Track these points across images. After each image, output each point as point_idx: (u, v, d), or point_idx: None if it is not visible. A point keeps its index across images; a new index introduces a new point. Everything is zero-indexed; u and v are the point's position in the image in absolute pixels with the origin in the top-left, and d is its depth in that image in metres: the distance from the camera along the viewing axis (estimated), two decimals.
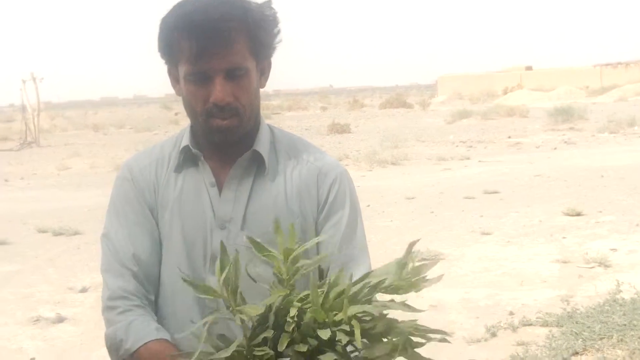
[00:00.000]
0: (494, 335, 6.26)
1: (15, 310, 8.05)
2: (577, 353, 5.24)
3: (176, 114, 45.14)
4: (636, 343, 5.09)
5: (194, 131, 2.11)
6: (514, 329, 6.31)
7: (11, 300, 8.48)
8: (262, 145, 2.10)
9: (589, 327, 5.60)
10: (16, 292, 8.76)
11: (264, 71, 2.09)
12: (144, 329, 1.95)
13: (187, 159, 2.11)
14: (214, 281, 1.65)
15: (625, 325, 5.49)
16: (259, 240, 1.66)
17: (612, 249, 8.99)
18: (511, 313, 6.84)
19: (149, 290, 2.06)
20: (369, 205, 13.26)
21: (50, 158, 25.30)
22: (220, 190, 2.08)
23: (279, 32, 2.05)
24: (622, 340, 5.23)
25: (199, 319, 1.87)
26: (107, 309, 2.03)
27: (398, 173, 18.14)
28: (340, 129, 31.16)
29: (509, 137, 25.13)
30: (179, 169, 2.12)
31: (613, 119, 26.29)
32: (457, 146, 23.53)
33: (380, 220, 11.91)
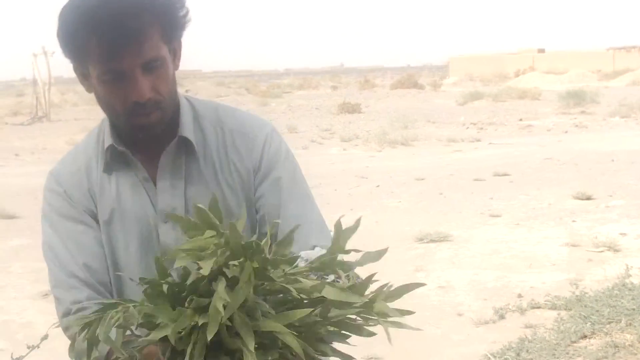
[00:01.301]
0: (502, 317, 6.26)
1: (25, 285, 8.08)
2: (585, 336, 5.24)
3: (187, 90, 45.16)
4: None
5: (114, 127, 2.00)
6: (522, 311, 6.31)
7: (21, 274, 8.51)
8: (187, 127, 2.01)
9: (597, 310, 5.59)
10: (26, 266, 8.78)
11: (175, 53, 1.97)
12: None
13: (114, 158, 2.01)
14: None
15: (634, 309, 5.47)
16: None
17: (621, 234, 8.97)
18: (519, 295, 6.83)
19: (104, 296, 1.97)
20: (378, 186, 13.26)
21: (61, 132, 25.28)
22: (154, 183, 2.00)
23: (187, 11, 1.92)
24: (630, 324, 5.22)
25: None
26: (65, 329, 1.95)
27: (408, 154, 18.11)
28: (350, 109, 31.06)
29: (520, 120, 25.04)
30: (108, 170, 2.02)
31: (625, 103, 26.17)
32: (467, 128, 23.46)
33: (389, 201, 11.91)
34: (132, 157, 2.00)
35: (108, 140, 2.00)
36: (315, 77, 77.67)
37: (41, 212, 2.06)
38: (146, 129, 1.92)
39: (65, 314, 1.94)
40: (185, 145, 2.02)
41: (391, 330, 5.39)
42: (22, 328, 6.83)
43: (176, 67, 1.98)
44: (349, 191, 12.88)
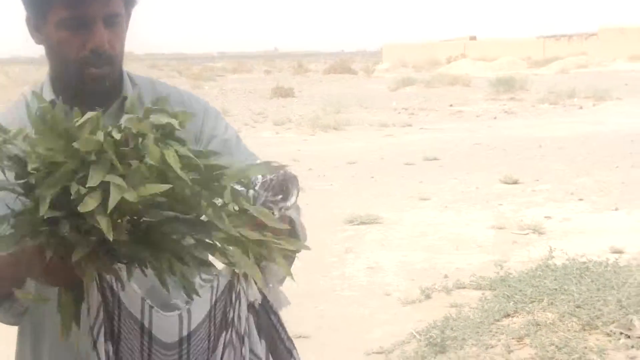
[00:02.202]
0: (428, 297, 6.36)
1: None
2: (508, 315, 5.36)
3: None
4: (566, 306, 5.21)
5: (58, 80, 2.01)
6: (448, 291, 6.41)
7: None
8: (129, 91, 2.04)
9: (520, 290, 5.71)
10: None
11: (129, 14, 2.02)
12: None
13: None
14: None
15: (556, 289, 5.61)
16: None
17: (546, 217, 9.17)
18: (446, 276, 6.95)
19: None
20: (310, 169, 13.31)
21: None
22: None
23: None
24: (552, 303, 5.35)
25: None
26: None
27: (340, 138, 18.19)
28: (284, 93, 31.07)
29: (451, 106, 25.31)
30: None
31: (553, 91, 26.60)
32: (399, 113, 23.63)
33: (321, 184, 11.96)
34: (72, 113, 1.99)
35: (48, 96, 1.97)
36: (249, 61, 77.45)
37: None
38: (95, 80, 1.92)
39: None
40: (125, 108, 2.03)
41: (317, 309, 5.48)
42: None
43: (126, 28, 2.01)
44: None
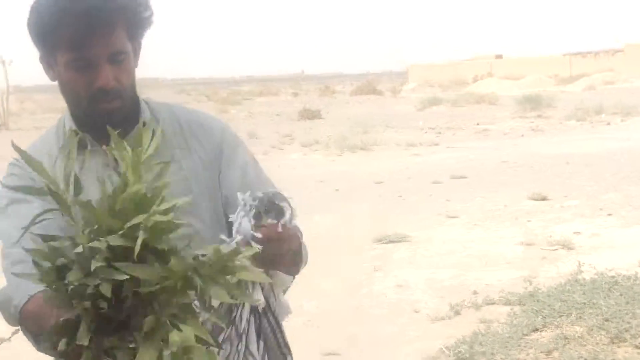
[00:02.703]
0: (457, 313, 6.39)
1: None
2: (537, 329, 5.37)
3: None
4: (594, 320, 5.22)
5: (74, 115, 2.10)
6: (477, 307, 6.43)
7: None
8: (147, 116, 2.12)
9: (549, 305, 5.73)
10: None
11: (136, 52, 2.09)
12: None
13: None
14: None
15: (584, 303, 5.62)
16: None
17: (575, 232, 9.16)
18: (475, 292, 6.97)
19: None
20: (337, 190, 13.39)
21: (20, 141, 24.46)
22: (115, 170, 2.02)
23: (151, 13, 2.06)
24: (580, 317, 5.37)
25: None
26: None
27: (367, 158, 18.25)
28: (311, 115, 31.21)
29: (477, 124, 25.32)
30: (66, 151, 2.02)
31: (581, 107, 26.54)
32: (426, 132, 23.68)
33: (348, 204, 12.01)
34: (94, 142, 2.06)
35: (69, 126, 2.09)
36: (276, 84, 77.80)
37: None
38: (107, 115, 2.00)
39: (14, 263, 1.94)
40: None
41: (349, 328, 5.55)
42: None
43: (136, 64, 2.09)
44: (308, 195, 12.96)
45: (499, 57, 73.10)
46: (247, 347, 1.91)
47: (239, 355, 1.89)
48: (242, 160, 2.20)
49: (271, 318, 1.97)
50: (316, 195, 13.00)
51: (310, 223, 10.64)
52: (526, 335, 5.27)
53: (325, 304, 7.09)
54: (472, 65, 69.49)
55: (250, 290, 1.85)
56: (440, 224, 10.21)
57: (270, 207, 1.82)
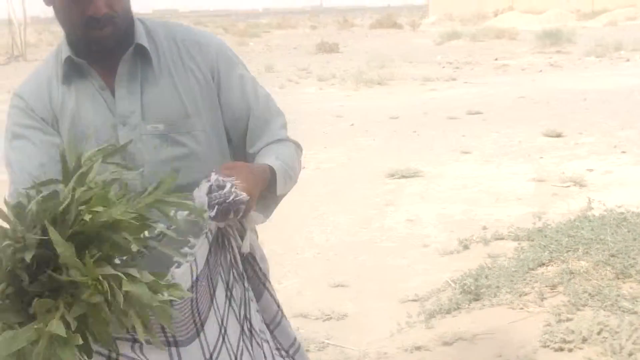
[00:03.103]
0: (466, 247, 6.45)
1: None
2: (543, 264, 5.42)
3: None
4: (600, 255, 5.26)
5: (71, 41, 2.14)
6: (486, 242, 6.49)
7: None
8: (141, 38, 2.15)
9: (556, 240, 5.76)
10: None
11: None
12: None
13: (72, 70, 2.13)
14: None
15: (592, 239, 5.65)
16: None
17: (588, 169, 9.17)
18: (484, 228, 7.01)
19: None
20: (352, 124, 13.40)
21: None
22: (112, 91, 2.13)
23: None
24: (587, 252, 5.41)
25: None
26: None
27: (384, 93, 18.19)
28: (328, 49, 31.02)
29: (496, 59, 25.12)
30: (66, 81, 2.14)
31: (601, 43, 26.24)
32: (443, 67, 23.53)
33: (363, 139, 12.05)
34: (89, 67, 2.12)
35: (66, 53, 2.13)
36: (294, 17, 77.17)
37: (5, 130, 2.18)
38: (100, 41, 2.06)
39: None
40: (141, 55, 2.15)
41: (356, 259, 5.66)
42: None
43: None
44: (323, 130, 13.00)
45: None
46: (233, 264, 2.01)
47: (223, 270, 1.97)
48: (239, 79, 2.24)
49: (248, 257, 2.07)
50: (331, 130, 13.02)
51: (324, 156, 10.71)
52: (532, 269, 5.33)
53: (336, 237, 7.17)
54: None
55: (231, 239, 1.95)
56: (454, 160, 10.23)
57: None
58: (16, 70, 27.27)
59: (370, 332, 4.89)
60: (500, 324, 4.68)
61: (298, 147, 2.31)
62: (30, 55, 33.52)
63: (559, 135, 11.35)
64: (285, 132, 2.29)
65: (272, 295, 2.16)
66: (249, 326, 2.04)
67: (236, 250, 2.00)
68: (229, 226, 1.95)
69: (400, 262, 6.35)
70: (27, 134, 2.12)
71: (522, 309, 4.82)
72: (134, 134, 2.09)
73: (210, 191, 1.84)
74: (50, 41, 42.67)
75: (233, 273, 2.00)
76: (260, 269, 2.11)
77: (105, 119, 2.13)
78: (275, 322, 2.18)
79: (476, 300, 5.03)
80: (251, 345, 2.03)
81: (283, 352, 2.18)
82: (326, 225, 7.50)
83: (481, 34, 35.97)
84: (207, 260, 1.87)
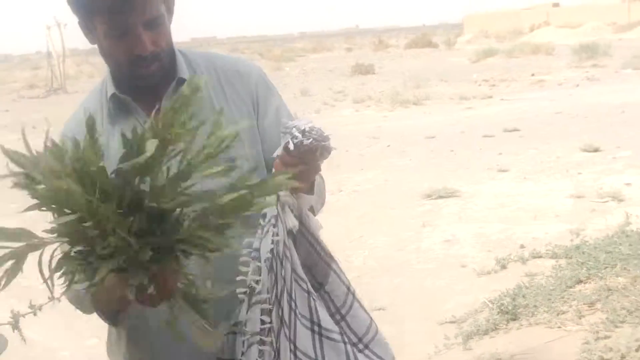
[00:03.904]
0: (504, 267, 6.43)
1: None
2: (580, 281, 5.40)
3: None
4: (638, 271, 5.23)
5: (115, 77, 2.17)
6: (524, 261, 6.47)
7: None
8: (183, 71, 2.17)
9: (594, 257, 5.74)
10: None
11: (170, 9, 2.13)
12: None
13: (116, 107, 2.16)
14: None
15: (629, 254, 5.62)
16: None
17: (626, 184, 9.09)
18: (522, 246, 7.00)
19: None
20: (389, 145, 13.43)
21: (78, 103, 25.41)
22: None
23: None
24: (625, 268, 5.38)
25: None
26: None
27: (420, 113, 18.21)
28: (364, 70, 31.09)
29: (532, 75, 25.00)
30: (112, 119, 2.16)
31: (637, 55, 26.02)
32: (479, 85, 23.47)
33: (400, 160, 12.08)
34: (134, 104, 2.15)
35: (110, 90, 2.17)
36: (330, 40, 77.49)
37: None
38: (147, 78, 2.09)
39: None
40: None
41: (393, 282, 5.66)
42: (43, 293, 7.06)
43: (170, 20, 2.14)
44: (360, 152, 13.03)
45: (556, 5, 71.78)
46: (293, 270, 2.01)
47: (285, 282, 1.98)
48: (275, 106, 2.26)
49: (307, 235, 2.06)
50: (368, 151, 13.06)
51: (361, 178, 10.75)
52: (570, 287, 5.31)
53: (374, 259, 7.20)
54: (528, 14, 68.38)
55: (282, 215, 1.96)
56: (491, 178, 10.21)
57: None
58: (57, 102, 27.68)
59: (408, 354, 4.89)
60: (538, 344, 4.66)
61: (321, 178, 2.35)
62: (70, 87, 34.00)
63: (596, 150, 11.28)
64: None
65: (339, 276, 2.13)
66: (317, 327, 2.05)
67: (295, 257, 2.01)
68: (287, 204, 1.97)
69: (438, 283, 6.35)
70: None
71: (560, 327, 4.80)
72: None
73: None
74: (90, 72, 43.27)
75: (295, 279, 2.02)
76: (323, 249, 2.11)
77: None
78: (346, 305, 2.14)
79: (514, 320, 5.02)
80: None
81: (360, 346, 2.14)
82: (364, 248, 7.53)
83: (517, 50, 35.85)
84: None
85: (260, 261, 1.92)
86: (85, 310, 2.09)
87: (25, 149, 1.57)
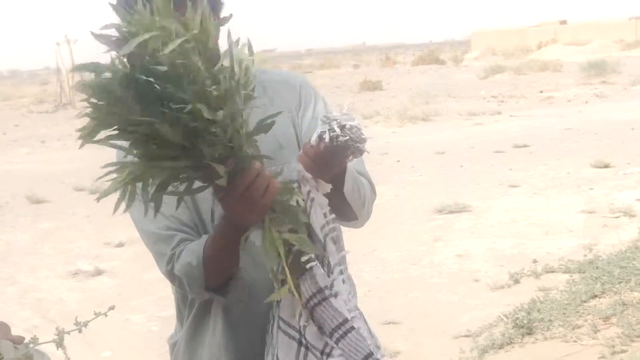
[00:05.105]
0: (517, 282, 6.43)
1: (56, 265, 8.37)
2: (595, 296, 5.39)
3: None
4: None
5: None
6: (537, 275, 6.47)
7: (51, 255, 8.81)
8: None
9: (608, 272, 5.73)
10: (56, 247, 9.09)
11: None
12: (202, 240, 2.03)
13: None
14: None
15: None
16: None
17: (637, 200, 9.08)
18: (535, 261, 7.00)
19: (197, 238, 2.08)
20: (398, 161, 13.43)
21: (86, 119, 25.51)
22: None
23: None
24: (639, 283, 5.37)
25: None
26: (172, 276, 2.07)
27: (429, 129, 18.22)
28: (372, 87, 31.14)
29: (541, 92, 25.04)
30: None
31: None
32: (488, 101, 23.50)
33: (410, 175, 12.08)
34: None
35: None
36: (337, 57, 77.58)
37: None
38: None
39: (169, 262, 2.07)
40: None
41: (407, 296, 5.67)
42: (54, 305, 7.09)
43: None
44: (369, 168, 12.97)
45: (564, 22, 71.81)
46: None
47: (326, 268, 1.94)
48: (318, 110, 2.26)
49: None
50: (377, 167, 13.06)
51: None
52: (584, 302, 5.30)
53: (386, 274, 7.20)
54: (536, 31, 68.42)
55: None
56: (502, 194, 10.21)
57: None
58: (65, 117, 27.75)
59: None
60: (554, 358, 4.66)
61: (372, 185, 2.36)
62: (79, 102, 34.06)
63: (607, 166, 11.28)
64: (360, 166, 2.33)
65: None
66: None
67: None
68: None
69: (451, 297, 6.35)
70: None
71: (575, 342, 4.79)
72: None
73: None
74: None
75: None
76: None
77: None
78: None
79: (529, 334, 5.02)
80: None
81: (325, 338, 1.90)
82: (376, 263, 7.53)
83: (525, 67, 35.88)
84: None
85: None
86: (194, 282, 2.03)
87: None
